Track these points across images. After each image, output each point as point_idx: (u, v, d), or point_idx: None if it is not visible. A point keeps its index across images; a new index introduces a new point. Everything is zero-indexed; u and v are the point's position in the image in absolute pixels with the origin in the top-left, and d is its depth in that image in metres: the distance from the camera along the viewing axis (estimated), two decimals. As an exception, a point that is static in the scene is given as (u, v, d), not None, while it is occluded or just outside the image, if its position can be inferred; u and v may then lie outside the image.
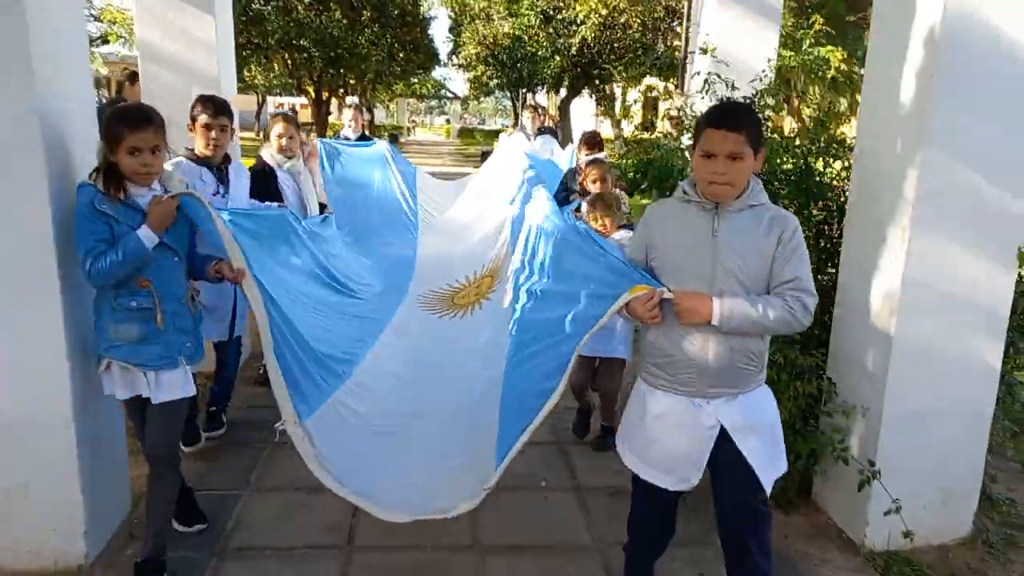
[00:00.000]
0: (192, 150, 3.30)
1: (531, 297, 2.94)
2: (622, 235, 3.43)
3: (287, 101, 30.59)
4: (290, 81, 20.58)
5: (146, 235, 2.34)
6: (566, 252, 2.83)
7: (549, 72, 18.22)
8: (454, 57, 27.52)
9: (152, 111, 2.44)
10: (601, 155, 4.48)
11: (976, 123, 2.56)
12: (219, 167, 3.34)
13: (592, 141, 5.26)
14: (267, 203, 3.69)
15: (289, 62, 17.62)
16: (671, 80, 13.03)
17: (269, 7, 15.03)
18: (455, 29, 25.97)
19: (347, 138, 5.74)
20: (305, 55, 16.61)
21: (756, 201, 2.08)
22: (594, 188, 3.93)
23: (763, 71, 4.14)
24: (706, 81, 4.00)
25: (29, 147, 2.35)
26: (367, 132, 6.11)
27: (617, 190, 3.99)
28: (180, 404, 2.54)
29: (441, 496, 2.31)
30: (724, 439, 2.10)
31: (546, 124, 7.40)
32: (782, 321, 2.01)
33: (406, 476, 2.47)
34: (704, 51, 4.82)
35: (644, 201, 5.02)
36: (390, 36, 17.27)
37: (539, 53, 18.51)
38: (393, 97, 39.81)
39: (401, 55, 18.59)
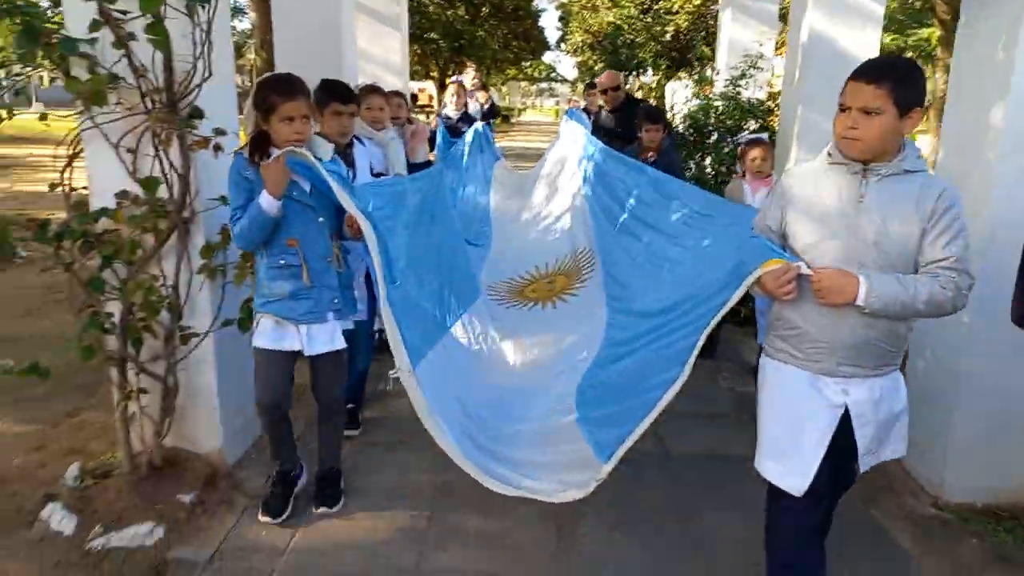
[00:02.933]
0: (318, 134, 3.31)
1: (632, 283, 2.99)
2: None
3: (416, 84, 33.99)
4: (419, 67, 23.63)
5: (265, 200, 2.45)
6: (682, 226, 2.84)
7: (645, 57, 20.26)
8: (563, 44, 30.06)
9: (301, 81, 2.59)
10: (763, 135, 4.53)
11: (817, 116, 4.75)
12: (344, 150, 3.35)
13: (653, 116, 4.88)
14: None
15: (419, 52, 20.60)
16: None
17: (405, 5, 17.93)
18: (564, 19, 28.39)
19: (448, 116, 5.77)
20: (433, 46, 19.50)
21: (913, 167, 1.88)
22: (753, 166, 4.14)
23: (745, 57, 6.37)
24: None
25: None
26: (468, 111, 6.19)
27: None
28: (340, 355, 2.78)
29: (546, 478, 2.28)
30: (844, 422, 1.98)
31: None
32: (935, 304, 1.83)
33: (507, 449, 2.45)
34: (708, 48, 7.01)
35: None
36: (505, 28, 19.88)
37: (636, 40, 20.58)
38: (506, 80, 42.43)
39: (514, 44, 21.14)
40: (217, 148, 2.78)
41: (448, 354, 2.77)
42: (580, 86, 50.53)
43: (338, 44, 4.95)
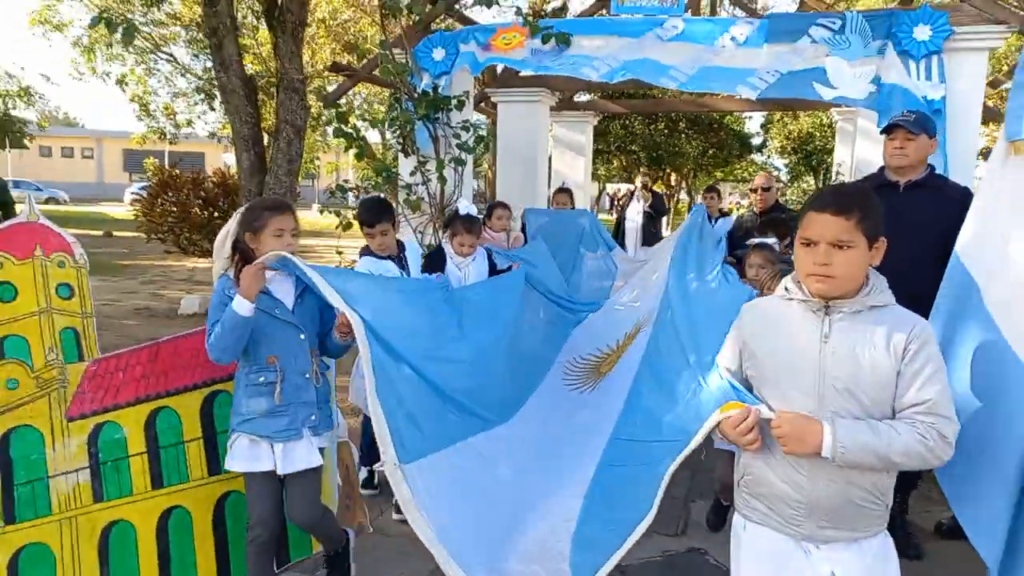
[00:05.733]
0: (368, 247, 3.70)
1: (646, 386, 2.66)
2: None
3: (621, 187, 37.63)
4: (623, 173, 26.82)
5: (238, 303, 2.52)
6: (678, 337, 2.53)
7: (831, 162, 21.51)
8: (764, 149, 31.92)
9: (288, 201, 2.87)
10: (770, 240, 3.92)
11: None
12: (398, 256, 3.74)
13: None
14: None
15: (624, 161, 23.75)
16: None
17: (613, 124, 21.17)
18: (765, 126, 30.32)
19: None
20: (635, 156, 22.52)
21: (878, 302, 1.75)
22: (749, 274, 3.51)
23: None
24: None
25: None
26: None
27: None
28: (313, 473, 2.73)
29: None
30: None
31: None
32: (914, 455, 1.65)
33: (495, 559, 2.36)
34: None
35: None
36: (700, 139, 22.40)
37: (827, 147, 21.93)
38: (715, 182, 44.38)
39: (710, 152, 23.45)
40: (461, 230, 5.59)
41: (456, 463, 2.64)
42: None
43: (535, 167, 7.80)
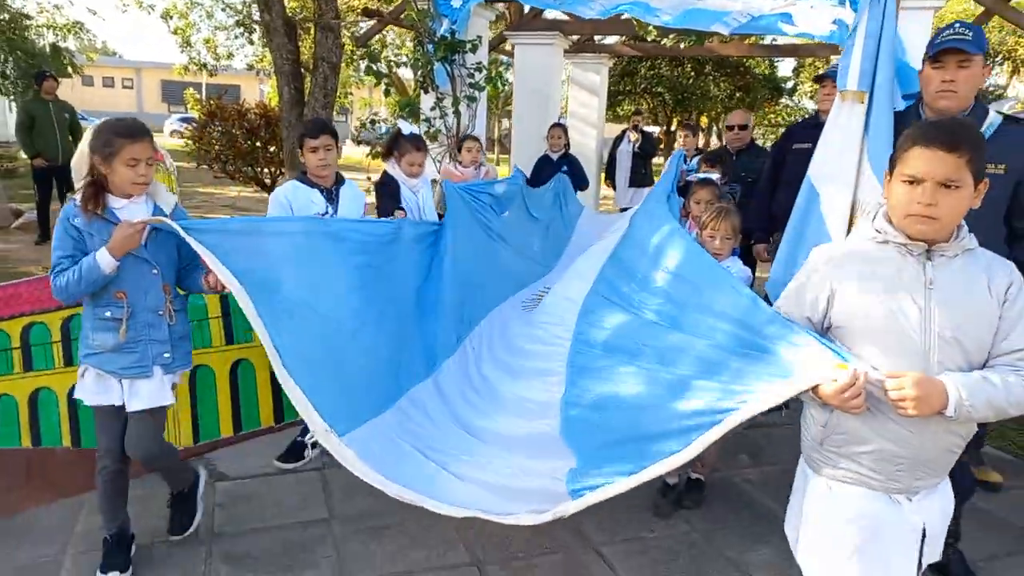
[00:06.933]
0: (305, 173, 3.51)
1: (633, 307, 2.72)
2: (733, 264, 3.10)
3: (648, 129, 37.93)
4: (651, 115, 27.08)
5: (103, 259, 2.40)
6: (699, 280, 2.41)
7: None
8: (795, 93, 31.76)
9: (143, 124, 2.55)
10: (715, 175, 4.00)
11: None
12: (329, 189, 3.50)
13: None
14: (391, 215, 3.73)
15: (651, 103, 24.04)
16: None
17: (641, 64, 21.45)
18: (796, 70, 30.10)
19: (549, 157, 6.62)
20: (660, 98, 22.82)
21: (971, 245, 1.67)
22: (697, 211, 3.61)
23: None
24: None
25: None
26: (568, 150, 6.82)
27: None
28: (158, 412, 2.65)
29: (501, 500, 2.30)
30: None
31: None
32: (1022, 405, 1.60)
33: (464, 478, 2.43)
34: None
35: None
36: (725, 83, 22.59)
37: (852, 91, 22.02)
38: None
39: (737, 95, 23.60)
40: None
41: (405, 414, 2.67)
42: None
43: (548, 106, 8.50)
